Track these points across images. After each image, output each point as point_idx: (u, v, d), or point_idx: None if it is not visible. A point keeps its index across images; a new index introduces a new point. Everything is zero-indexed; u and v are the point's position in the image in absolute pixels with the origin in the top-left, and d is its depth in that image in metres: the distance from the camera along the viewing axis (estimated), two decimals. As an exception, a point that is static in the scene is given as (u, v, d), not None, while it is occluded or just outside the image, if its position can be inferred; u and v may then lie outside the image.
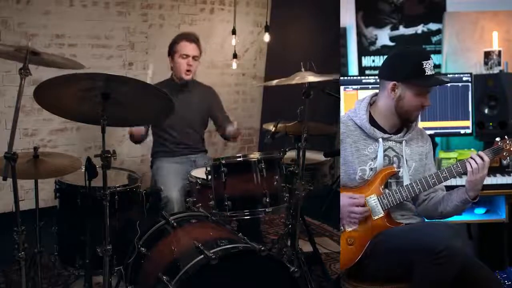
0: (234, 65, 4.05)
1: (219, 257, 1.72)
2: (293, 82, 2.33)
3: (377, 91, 2.16)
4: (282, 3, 4.46)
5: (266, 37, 3.74)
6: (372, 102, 2.16)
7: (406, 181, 2.08)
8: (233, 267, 1.79)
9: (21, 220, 1.88)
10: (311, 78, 2.30)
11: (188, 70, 3.06)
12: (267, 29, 3.71)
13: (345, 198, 2.05)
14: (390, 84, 2.06)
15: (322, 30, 4.06)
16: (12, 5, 3.56)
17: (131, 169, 2.89)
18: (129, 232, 2.19)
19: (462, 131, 2.88)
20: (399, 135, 2.14)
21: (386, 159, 2.10)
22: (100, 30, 3.92)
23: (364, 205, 2.04)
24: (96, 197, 2.04)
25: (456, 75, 2.87)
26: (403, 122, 2.14)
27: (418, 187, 2.03)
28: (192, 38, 3.09)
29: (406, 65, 2.03)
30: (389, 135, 2.12)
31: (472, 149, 2.02)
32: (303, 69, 2.39)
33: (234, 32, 3.87)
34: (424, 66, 1.98)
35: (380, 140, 2.09)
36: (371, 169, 2.08)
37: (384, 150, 2.10)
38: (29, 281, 2.18)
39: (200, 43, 3.12)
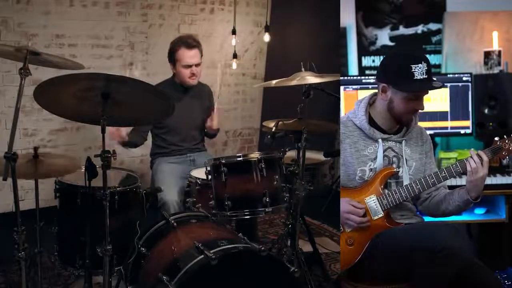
0: (234, 65, 4.06)
1: (219, 257, 1.72)
2: (292, 83, 2.32)
3: (376, 91, 2.15)
4: (282, 3, 4.46)
5: (266, 37, 3.74)
6: (371, 102, 2.16)
7: (406, 181, 2.08)
8: (233, 267, 1.79)
9: (21, 220, 1.88)
10: (311, 79, 2.29)
11: (192, 77, 3.03)
12: (267, 29, 3.71)
13: (344, 203, 2.03)
14: (381, 85, 2.05)
15: (322, 30, 4.06)
16: (12, 5, 3.56)
17: (131, 169, 2.89)
18: (129, 232, 2.19)
19: (462, 131, 2.88)
20: (398, 135, 2.13)
21: (386, 160, 2.09)
22: (100, 30, 3.92)
23: (364, 214, 2.02)
24: (96, 197, 2.04)
25: (456, 75, 2.87)
26: (399, 123, 2.13)
27: (418, 187, 2.03)
28: (192, 44, 3.01)
29: (395, 69, 2.00)
30: (389, 135, 2.11)
31: (472, 149, 2.02)
32: (303, 69, 2.39)
33: (234, 32, 3.87)
34: (413, 70, 1.93)
35: (380, 140, 2.08)
36: (370, 169, 2.07)
37: (384, 151, 2.09)
38: (29, 281, 2.18)
39: (200, 45, 3.08)
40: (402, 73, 1.96)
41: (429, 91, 2.04)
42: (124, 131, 2.88)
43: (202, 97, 3.22)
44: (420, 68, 1.94)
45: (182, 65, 3.01)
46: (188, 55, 3.00)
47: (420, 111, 2.08)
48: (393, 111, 2.05)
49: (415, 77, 1.94)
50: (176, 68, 3.05)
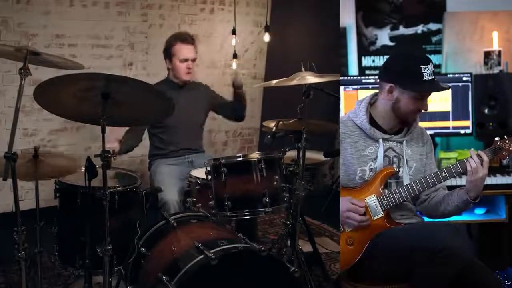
0: (234, 65, 4.05)
1: (219, 257, 1.72)
2: (292, 83, 2.32)
3: (377, 91, 2.15)
4: (282, 3, 4.46)
5: (266, 37, 3.73)
6: (372, 102, 2.16)
7: (406, 181, 2.08)
8: (233, 267, 1.79)
9: (21, 220, 1.88)
10: (311, 79, 2.29)
11: (188, 72, 3.05)
12: (267, 29, 3.71)
13: (345, 201, 2.03)
14: (387, 86, 2.06)
15: (322, 30, 4.06)
16: (12, 5, 3.56)
17: (130, 169, 2.88)
18: (129, 232, 2.19)
19: (462, 131, 2.88)
20: (399, 135, 2.14)
21: (386, 160, 2.10)
22: (100, 30, 3.92)
23: (364, 213, 2.02)
24: (96, 197, 2.04)
25: (456, 75, 2.87)
26: (402, 123, 2.14)
27: (418, 187, 2.03)
28: (188, 39, 3.06)
29: (404, 69, 2.01)
30: (390, 136, 2.12)
31: (472, 149, 2.03)
32: (303, 69, 2.39)
33: (234, 32, 3.87)
34: (423, 71, 1.96)
35: (380, 140, 2.09)
36: (371, 169, 2.08)
37: (385, 151, 2.09)
38: (29, 281, 2.18)
39: (196, 42, 3.10)
40: (412, 73, 1.98)
41: (430, 95, 2.06)
42: (116, 136, 2.68)
43: (199, 96, 3.21)
44: (428, 69, 1.97)
45: (179, 59, 3.03)
46: (184, 49, 3.02)
47: (423, 111, 2.09)
48: (399, 111, 2.06)
49: (425, 78, 1.96)
50: (172, 62, 3.06)
